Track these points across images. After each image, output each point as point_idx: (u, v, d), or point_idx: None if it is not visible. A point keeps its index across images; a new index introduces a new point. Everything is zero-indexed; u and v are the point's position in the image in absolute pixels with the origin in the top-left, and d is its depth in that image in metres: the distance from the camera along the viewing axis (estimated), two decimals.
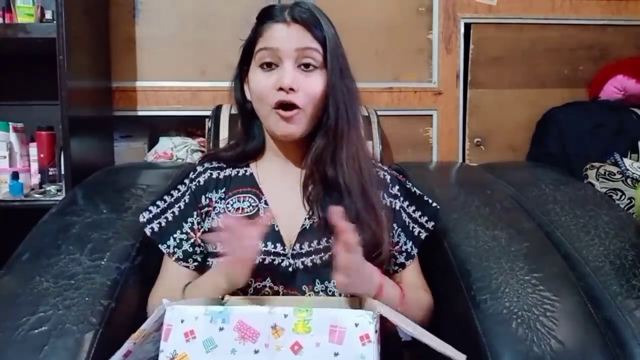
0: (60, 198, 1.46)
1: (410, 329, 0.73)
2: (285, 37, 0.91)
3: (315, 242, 0.93)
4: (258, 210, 0.96)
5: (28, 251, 1.01)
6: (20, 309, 0.88)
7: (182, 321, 0.72)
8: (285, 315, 0.71)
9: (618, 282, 1.01)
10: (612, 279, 1.01)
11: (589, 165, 1.55)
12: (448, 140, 1.96)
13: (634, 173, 1.49)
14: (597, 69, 1.94)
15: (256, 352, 0.70)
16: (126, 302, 0.95)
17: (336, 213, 0.79)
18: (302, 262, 0.92)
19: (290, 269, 0.92)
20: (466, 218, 1.14)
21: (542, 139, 1.86)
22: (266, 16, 0.94)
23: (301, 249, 0.93)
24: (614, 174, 1.49)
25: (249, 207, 0.96)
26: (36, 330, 0.84)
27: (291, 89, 0.90)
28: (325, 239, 0.93)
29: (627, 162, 1.53)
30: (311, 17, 0.92)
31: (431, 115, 1.95)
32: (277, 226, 0.95)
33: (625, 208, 1.39)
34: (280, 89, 0.90)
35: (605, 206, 1.26)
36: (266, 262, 0.91)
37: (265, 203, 0.97)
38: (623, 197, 1.44)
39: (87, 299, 0.90)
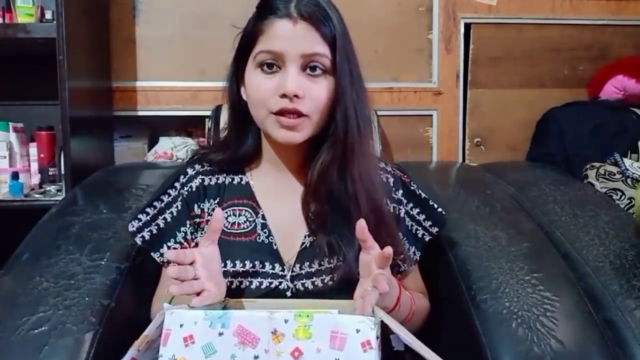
0: (60, 198, 1.46)
1: (408, 338, 0.73)
2: (290, 38, 0.81)
3: (316, 262, 0.87)
4: (255, 226, 0.89)
5: (28, 251, 1.01)
6: (20, 309, 0.88)
7: (181, 325, 0.70)
8: (286, 321, 0.69)
9: (618, 282, 1.01)
10: (612, 279, 1.01)
11: (589, 165, 1.55)
12: (448, 140, 1.96)
13: (634, 173, 1.48)
14: (597, 69, 1.94)
15: (256, 357, 0.68)
16: (126, 302, 0.95)
17: (361, 228, 0.75)
18: (303, 285, 0.86)
19: (289, 293, 0.86)
20: (466, 218, 1.14)
21: (542, 139, 1.86)
22: (268, 9, 0.83)
23: (301, 269, 0.87)
24: (614, 174, 1.49)
25: (245, 222, 0.90)
26: (36, 330, 0.84)
27: (296, 96, 0.81)
28: (328, 259, 0.86)
29: (627, 162, 1.53)
30: (319, 10, 0.82)
31: (431, 115, 1.95)
32: (275, 244, 0.88)
33: (625, 208, 1.39)
34: (284, 95, 0.81)
35: (605, 206, 1.26)
36: (263, 285, 0.86)
37: (263, 217, 0.90)
38: (623, 197, 1.43)
39: (87, 299, 0.90)
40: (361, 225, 0.75)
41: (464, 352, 0.84)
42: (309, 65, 0.82)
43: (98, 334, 0.86)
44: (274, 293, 0.86)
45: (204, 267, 0.76)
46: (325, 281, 0.86)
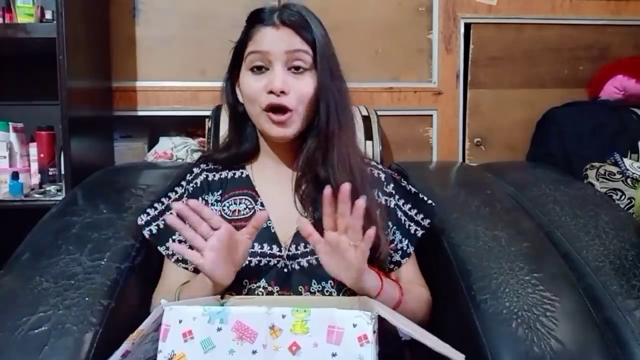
0: (60, 198, 1.46)
1: (409, 329, 0.73)
2: (274, 40, 0.92)
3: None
4: (254, 212, 0.96)
5: (28, 251, 1.01)
6: (20, 309, 0.88)
7: (180, 321, 0.72)
8: (283, 316, 0.71)
9: (618, 282, 1.01)
10: (612, 279, 1.01)
11: (589, 165, 1.55)
12: (448, 140, 1.96)
13: (634, 173, 1.48)
14: (597, 69, 1.94)
15: (254, 352, 0.70)
16: (126, 302, 0.95)
17: (302, 225, 0.81)
18: (298, 263, 0.92)
19: (286, 270, 0.92)
20: (466, 218, 1.14)
21: (542, 139, 1.86)
22: (256, 20, 0.95)
23: (297, 249, 0.93)
24: (614, 174, 1.49)
25: (245, 209, 0.97)
26: (36, 330, 0.84)
27: (282, 92, 0.90)
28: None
29: (627, 162, 1.53)
30: (300, 19, 0.93)
31: (431, 115, 1.95)
32: (272, 227, 0.95)
33: (625, 208, 1.39)
34: (271, 91, 0.91)
35: (605, 206, 1.26)
36: (262, 263, 0.92)
37: (261, 205, 0.97)
38: (623, 197, 1.43)
39: (87, 299, 0.90)
40: (301, 222, 0.82)
41: (464, 352, 0.83)
42: (293, 65, 0.92)
43: (98, 334, 0.86)
44: (272, 271, 0.92)
45: (219, 241, 0.80)
46: (319, 259, 0.89)
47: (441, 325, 1.00)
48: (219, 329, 0.71)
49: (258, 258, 0.92)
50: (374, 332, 0.69)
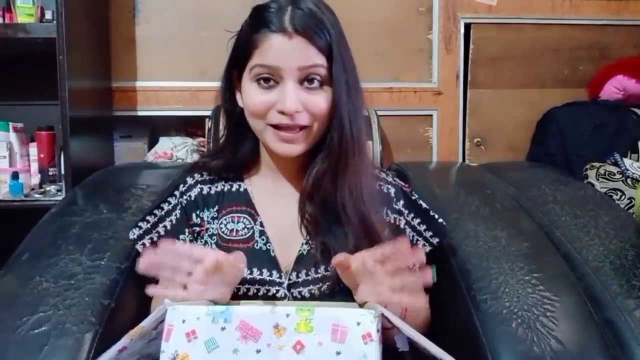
0: (60, 198, 1.46)
1: (408, 330, 0.73)
2: (286, 52, 0.80)
3: (313, 270, 0.87)
4: (253, 232, 0.90)
5: (28, 251, 1.01)
6: (20, 309, 0.88)
7: (183, 321, 0.72)
8: (288, 315, 0.70)
9: (618, 282, 1.00)
10: (612, 279, 1.01)
11: (589, 165, 1.55)
12: (448, 140, 1.96)
13: (634, 173, 1.49)
14: (597, 69, 1.94)
15: (258, 351, 0.69)
16: (126, 302, 0.95)
17: (337, 263, 0.76)
18: (300, 292, 0.86)
19: (286, 300, 0.86)
20: (466, 218, 1.14)
21: (542, 139, 1.86)
22: (262, 23, 0.82)
23: (298, 277, 0.87)
24: (614, 174, 1.49)
25: (243, 229, 0.90)
26: (36, 330, 0.84)
27: (295, 112, 0.81)
28: (324, 267, 0.86)
29: (627, 162, 1.54)
30: (314, 21, 0.81)
31: (431, 115, 1.95)
32: (272, 250, 0.88)
33: (625, 208, 1.39)
34: (282, 112, 0.81)
35: (605, 206, 1.26)
36: (260, 292, 0.86)
37: (261, 224, 0.90)
38: (623, 197, 1.44)
39: (87, 299, 0.90)
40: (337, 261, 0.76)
41: (464, 352, 0.83)
42: (306, 78, 0.82)
43: (98, 334, 0.86)
44: (271, 300, 0.85)
45: (206, 273, 0.73)
46: (322, 289, 0.86)
47: (441, 326, 1.00)
48: (223, 329, 0.70)
49: (256, 286, 0.86)
50: (378, 330, 0.70)
